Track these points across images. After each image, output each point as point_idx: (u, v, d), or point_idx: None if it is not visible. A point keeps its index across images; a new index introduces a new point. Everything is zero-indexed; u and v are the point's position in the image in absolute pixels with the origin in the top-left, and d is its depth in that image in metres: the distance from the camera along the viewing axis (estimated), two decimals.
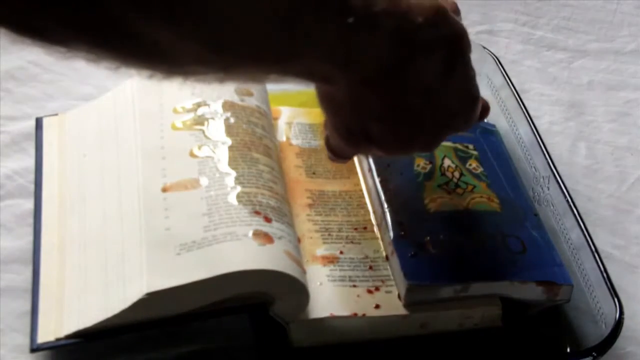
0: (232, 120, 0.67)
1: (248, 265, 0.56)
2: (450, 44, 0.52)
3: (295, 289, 0.58)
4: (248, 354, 0.60)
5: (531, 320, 0.64)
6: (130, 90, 0.69)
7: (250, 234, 0.58)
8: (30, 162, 0.70)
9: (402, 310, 0.61)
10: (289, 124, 0.73)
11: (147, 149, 0.64)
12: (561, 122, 0.84)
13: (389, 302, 0.61)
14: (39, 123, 0.72)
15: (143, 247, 0.58)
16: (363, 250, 0.64)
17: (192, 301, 0.56)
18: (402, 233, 0.63)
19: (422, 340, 0.61)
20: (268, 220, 0.60)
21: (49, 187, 0.67)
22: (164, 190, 0.62)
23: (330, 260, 0.63)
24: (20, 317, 0.61)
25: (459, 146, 0.71)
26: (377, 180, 0.67)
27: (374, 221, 0.67)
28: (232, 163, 0.63)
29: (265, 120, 0.69)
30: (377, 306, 0.61)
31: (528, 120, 0.73)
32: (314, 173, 0.70)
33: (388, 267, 0.63)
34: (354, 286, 0.62)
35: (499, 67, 0.78)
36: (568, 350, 0.63)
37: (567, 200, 0.67)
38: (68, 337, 0.57)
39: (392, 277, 0.63)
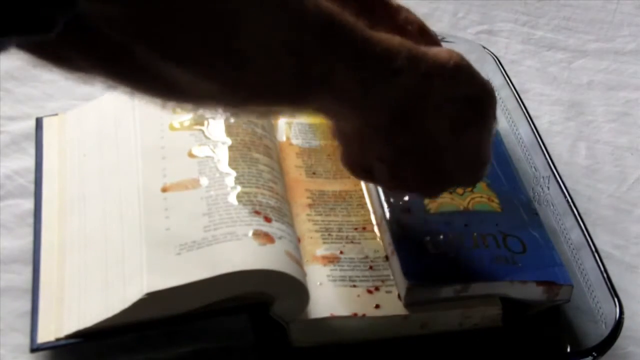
0: (232, 120, 0.67)
1: (248, 265, 0.56)
2: (468, 103, 0.52)
3: (295, 289, 0.58)
4: (248, 354, 0.60)
5: (531, 320, 0.64)
6: None
7: (250, 233, 0.58)
8: (30, 162, 0.70)
9: (402, 310, 0.61)
10: (289, 123, 0.73)
11: (147, 148, 0.64)
12: (561, 122, 0.84)
13: (389, 302, 0.61)
14: (39, 123, 0.72)
15: (143, 247, 0.58)
16: (363, 250, 0.64)
17: (192, 301, 0.56)
18: (402, 233, 0.63)
19: (422, 340, 0.61)
20: (268, 220, 0.60)
21: (49, 187, 0.67)
22: (164, 190, 0.62)
23: (330, 260, 0.63)
24: (20, 317, 0.61)
25: None
26: None
27: (374, 221, 0.67)
28: (232, 163, 0.63)
29: (265, 120, 0.69)
30: (377, 306, 0.61)
31: (528, 120, 0.73)
32: (314, 173, 0.70)
33: (388, 267, 0.63)
34: (354, 286, 0.62)
35: (499, 67, 0.78)
36: (568, 350, 0.63)
37: (567, 200, 0.67)
38: (68, 337, 0.57)
39: (392, 277, 0.63)
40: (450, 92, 0.51)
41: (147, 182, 0.62)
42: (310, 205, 0.67)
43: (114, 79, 0.43)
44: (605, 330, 0.60)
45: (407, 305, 0.61)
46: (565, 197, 0.67)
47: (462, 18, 0.94)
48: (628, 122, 0.85)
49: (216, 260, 0.56)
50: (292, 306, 0.59)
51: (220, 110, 0.48)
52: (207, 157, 0.64)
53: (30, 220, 0.66)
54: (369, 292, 0.61)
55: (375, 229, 0.66)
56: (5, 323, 0.61)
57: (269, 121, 0.70)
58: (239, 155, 0.64)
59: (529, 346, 0.63)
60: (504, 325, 0.62)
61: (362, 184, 0.69)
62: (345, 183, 0.69)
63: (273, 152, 0.67)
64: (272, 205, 0.62)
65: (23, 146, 0.74)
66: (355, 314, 0.60)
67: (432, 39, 0.56)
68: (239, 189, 0.62)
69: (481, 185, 0.68)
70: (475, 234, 0.64)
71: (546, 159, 0.70)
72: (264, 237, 0.58)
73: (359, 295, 0.61)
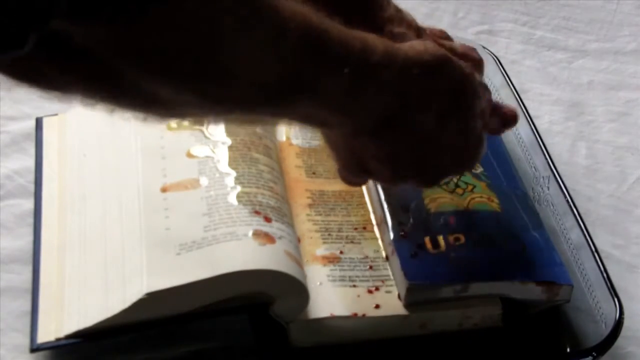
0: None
1: (248, 265, 0.56)
2: (450, 93, 0.52)
3: (295, 289, 0.58)
4: (248, 354, 0.60)
5: (531, 320, 0.64)
6: None
7: (250, 233, 0.58)
8: (30, 162, 0.70)
9: (402, 310, 0.61)
10: None
11: (147, 149, 0.64)
12: (561, 122, 0.84)
13: (389, 302, 0.61)
14: (39, 123, 0.72)
15: (143, 247, 0.58)
16: (363, 250, 0.64)
17: (192, 301, 0.56)
18: (402, 233, 0.63)
19: (422, 340, 0.61)
20: (268, 220, 0.60)
21: (49, 187, 0.67)
22: (164, 190, 0.62)
23: (330, 260, 0.63)
24: (20, 317, 0.61)
25: None
26: None
27: (374, 221, 0.67)
28: (232, 163, 0.63)
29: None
30: (377, 306, 0.61)
31: (528, 120, 0.73)
32: (314, 173, 0.70)
33: (388, 267, 0.63)
34: (354, 286, 0.62)
35: (499, 67, 0.78)
36: (568, 350, 0.63)
37: (567, 200, 0.67)
38: (68, 337, 0.57)
39: (392, 277, 0.63)
40: (431, 84, 0.51)
41: (147, 182, 0.62)
42: (310, 205, 0.67)
43: (94, 95, 0.43)
44: (605, 330, 0.60)
45: (407, 305, 0.61)
46: (565, 197, 0.67)
47: (462, 18, 0.94)
48: (628, 122, 0.85)
49: (216, 260, 0.56)
50: (292, 306, 0.59)
51: (205, 120, 0.48)
52: (207, 157, 0.64)
53: (30, 220, 0.66)
54: (369, 292, 0.61)
55: (375, 229, 0.66)
56: (5, 323, 0.61)
57: None
58: (238, 155, 0.64)
59: (529, 346, 0.63)
60: (504, 325, 0.62)
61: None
62: None
63: (273, 152, 0.67)
64: (272, 205, 0.62)
65: (23, 146, 0.74)
66: (355, 314, 0.60)
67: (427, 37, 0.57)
68: (239, 189, 0.62)
69: (481, 185, 0.68)
70: (475, 234, 0.64)
71: (546, 159, 0.70)
72: (264, 237, 0.58)
73: (359, 295, 0.61)
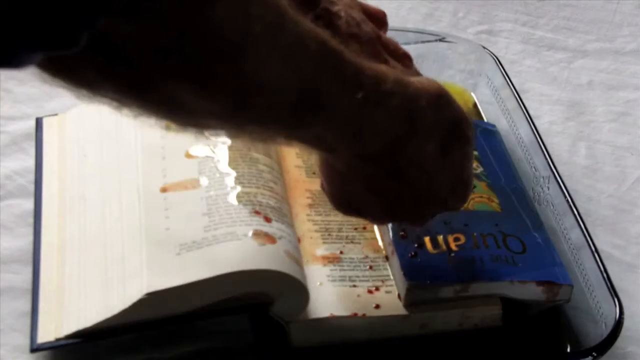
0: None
1: (248, 265, 0.56)
2: (450, 127, 0.54)
3: (295, 289, 0.58)
4: (248, 354, 0.60)
5: (531, 320, 0.64)
6: None
7: (250, 233, 0.58)
8: (30, 162, 0.70)
9: (402, 310, 0.61)
10: None
11: (147, 148, 0.64)
12: (561, 122, 0.84)
13: (389, 302, 0.61)
14: (39, 123, 0.72)
15: (143, 247, 0.58)
16: (363, 250, 0.64)
17: (192, 301, 0.56)
18: (402, 233, 0.63)
19: (422, 340, 0.61)
20: (268, 220, 0.60)
21: (49, 187, 0.67)
22: (164, 190, 0.62)
23: (330, 260, 0.63)
24: (20, 317, 0.61)
25: None
26: None
27: None
28: (232, 163, 0.63)
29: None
30: (377, 306, 0.61)
31: (528, 120, 0.73)
32: (314, 173, 0.69)
33: (388, 267, 0.63)
34: (354, 286, 0.62)
35: (499, 67, 0.78)
36: (568, 350, 0.63)
37: (567, 200, 0.67)
38: (68, 337, 0.57)
39: (392, 277, 0.63)
40: (436, 116, 0.53)
41: (147, 182, 0.62)
42: (310, 205, 0.67)
43: (123, 97, 0.44)
44: (605, 330, 0.60)
45: (407, 305, 0.61)
46: (565, 197, 0.67)
47: (462, 18, 0.94)
48: (628, 122, 0.85)
49: (216, 260, 0.56)
50: (292, 306, 0.59)
51: (221, 133, 0.50)
52: (207, 157, 0.64)
53: (30, 220, 0.66)
54: (369, 292, 0.62)
55: (375, 229, 0.66)
56: (5, 323, 0.61)
57: None
58: (238, 155, 0.64)
59: (529, 346, 0.63)
60: (504, 325, 0.62)
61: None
62: None
63: (273, 152, 0.67)
64: (272, 205, 0.62)
65: (23, 146, 0.74)
66: (355, 314, 0.60)
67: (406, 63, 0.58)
68: (238, 189, 0.62)
69: (481, 185, 0.68)
70: (475, 234, 0.64)
71: (546, 159, 0.70)
72: (264, 237, 0.58)
73: (359, 295, 0.61)
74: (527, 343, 0.63)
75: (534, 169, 0.72)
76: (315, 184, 0.69)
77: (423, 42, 0.80)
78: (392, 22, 0.62)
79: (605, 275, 0.62)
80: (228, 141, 0.65)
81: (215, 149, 0.64)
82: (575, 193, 0.70)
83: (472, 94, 0.81)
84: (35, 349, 0.57)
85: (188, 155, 0.64)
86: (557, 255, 0.64)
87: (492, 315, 0.62)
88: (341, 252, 0.64)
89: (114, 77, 0.42)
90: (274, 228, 0.60)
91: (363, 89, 0.48)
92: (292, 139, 0.51)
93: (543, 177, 0.70)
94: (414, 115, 0.52)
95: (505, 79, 0.77)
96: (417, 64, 0.60)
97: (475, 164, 0.69)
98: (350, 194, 0.57)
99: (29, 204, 0.68)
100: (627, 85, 0.89)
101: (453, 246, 0.63)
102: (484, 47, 0.81)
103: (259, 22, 0.41)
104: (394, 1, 0.94)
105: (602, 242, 0.70)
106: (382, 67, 0.51)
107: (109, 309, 0.56)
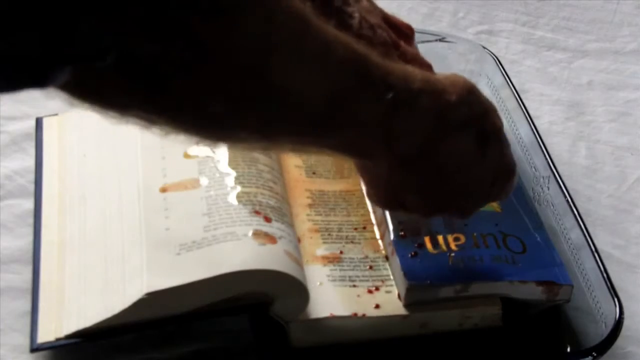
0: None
1: (248, 265, 0.56)
2: (482, 120, 0.54)
3: (295, 289, 0.58)
4: (248, 354, 0.60)
5: (531, 320, 0.64)
6: None
7: (250, 233, 0.58)
8: (30, 162, 0.70)
9: (402, 310, 0.61)
10: None
11: (147, 148, 0.64)
12: (561, 122, 0.84)
13: (389, 302, 0.61)
14: (39, 123, 0.72)
15: (143, 247, 0.58)
16: (363, 250, 0.64)
17: (192, 301, 0.56)
18: (402, 233, 0.63)
19: (422, 340, 0.61)
20: (268, 220, 0.60)
21: (49, 187, 0.67)
22: (164, 190, 0.62)
23: (330, 260, 0.63)
24: (20, 317, 0.61)
25: None
26: None
27: (374, 221, 0.67)
28: (232, 163, 0.63)
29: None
30: (377, 306, 0.61)
31: (528, 120, 0.73)
32: (314, 173, 0.70)
33: (388, 267, 0.63)
34: (354, 286, 0.62)
35: (499, 67, 0.78)
36: (568, 350, 0.63)
37: (567, 200, 0.67)
38: (68, 337, 0.57)
39: (392, 277, 0.63)
40: (468, 111, 0.53)
41: (147, 182, 0.62)
42: (310, 205, 0.67)
43: (153, 116, 0.43)
44: (605, 330, 0.60)
45: (407, 305, 0.61)
46: (565, 197, 0.67)
47: (462, 18, 0.94)
48: (628, 122, 0.85)
49: (216, 260, 0.56)
50: (292, 306, 0.59)
51: (254, 147, 0.51)
52: (206, 157, 0.64)
53: (30, 220, 0.66)
54: (369, 292, 0.62)
55: (375, 229, 0.66)
56: (5, 323, 0.61)
57: None
58: (238, 155, 0.64)
59: (529, 346, 0.63)
60: (504, 325, 0.62)
61: (362, 183, 0.69)
62: (345, 183, 0.69)
63: (273, 152, 0.67)
64: (272, 205, 0.62)
65: (23, 146, 0.74)
66: (355, 314, 0.60)
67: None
68: (238, 188, 0.62)
69: None
70: (475, 234, 0.64)
71: (546, 159, 0.70)
72: (264, 237, 0.58)
73: (359, 295, 0.61)
74: (527, 343, 0.63)
75: (534, 169, 0.72)
76: (315, 184, 0.69)
77: (423, 42, 0.80)
78: None
79: (605, 275, 0.62)
80: None
81: (215, 149, 0.64)
82: (575, 193, 0.70)
83: None
84: (35, 348, 0.57)
85: (188, 155, 0.64)
86: (557, 255, 0.64)
87: (492, 315, 0.62)
88: (341, 252, 0.64)
89: (144, 98, 0.41)
90: (274, 228, 0.60)
91: (392, 89, 0.48)
92: (325, 147, 0.51)
93: (543, 177, 0.70)
94: (446, 112, 0.51)
95: (505, 79, 0.77)
96: None
97: None
98: (393, 194, 0.56)
99: (29, 204, 0.68)
100: (627, 85, 0.89)
101: (453, 246, 0.63)
102: (484, 47, 0.81)
103: (285, 30, 0.41)
104: (394, 1, 0.94)
105: (602, 242, 0.70)
106: (409, 67, 0.51)
107: (109, 309, 0.56)
